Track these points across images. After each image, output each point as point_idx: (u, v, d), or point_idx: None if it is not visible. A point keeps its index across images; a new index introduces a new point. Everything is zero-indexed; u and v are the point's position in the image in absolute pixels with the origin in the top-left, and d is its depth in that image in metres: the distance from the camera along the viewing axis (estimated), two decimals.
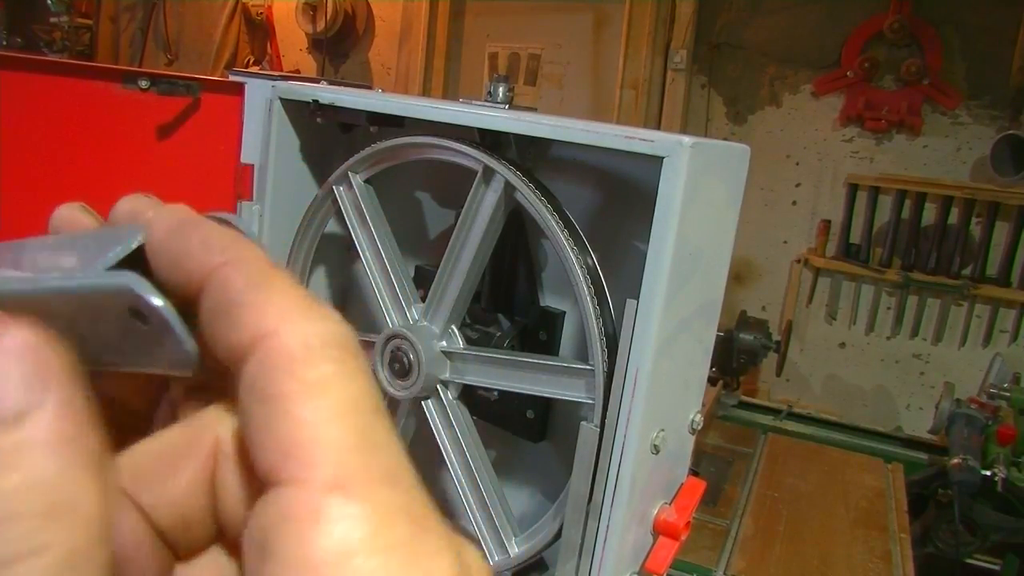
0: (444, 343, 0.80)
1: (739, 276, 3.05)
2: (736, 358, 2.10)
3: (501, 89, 0.86)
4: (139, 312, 0.20)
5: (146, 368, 0.22)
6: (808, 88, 2.92)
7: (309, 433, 0.18)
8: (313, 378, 0.18)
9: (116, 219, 0.25)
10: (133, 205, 0.25)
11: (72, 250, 0.23)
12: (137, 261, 0.22)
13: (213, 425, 0.22)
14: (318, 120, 0.86)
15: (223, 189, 0.91)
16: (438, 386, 0.80)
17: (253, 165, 0.90)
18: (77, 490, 0.17)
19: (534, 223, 0.73)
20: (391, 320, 0.83)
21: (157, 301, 0.20)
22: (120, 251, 0.22)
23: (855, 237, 2.89)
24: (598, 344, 0.69)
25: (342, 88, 0.87)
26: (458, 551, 0.19)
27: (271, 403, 0.18)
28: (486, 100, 0.86)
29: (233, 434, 0.21)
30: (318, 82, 0.90)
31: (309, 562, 0.17)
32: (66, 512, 0.16)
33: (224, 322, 0.19)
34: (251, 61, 3.79)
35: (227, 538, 0.22)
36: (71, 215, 0.26)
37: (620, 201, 0.80)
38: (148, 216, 0.25)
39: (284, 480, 0.18)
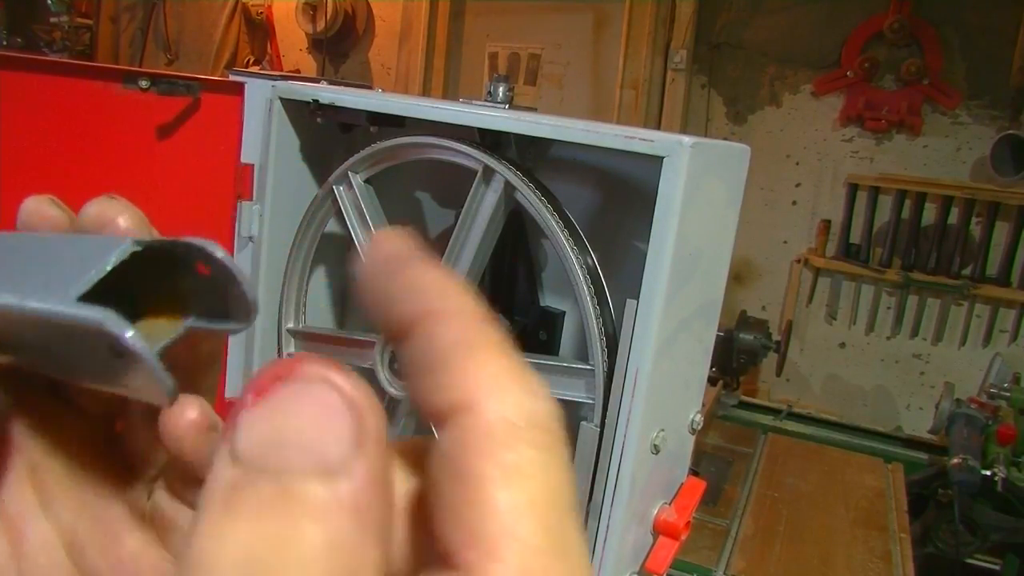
0: None
1: (739, 276, 3.05)
2: (736, 358, 2.10)
3: (501, 89, 0.86)
4: (114, 349, 0.20)
5: (121, 392, 0.22)
6: (808, 88, 2.92)
7: (499, 525, 0.16)
8: (512, 463, 0.17)
9: (84, 224, 0.25)
10: (100, 210, 0.25)
11: (52, 261, 0.22)
12: (124, 273, 0.21)
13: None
14: (318, 120, 0.86)
15: (223, 189, 0.91)
16: None
17: (253, 165, 0.90)
18: (366, 563, 0.16)
19: (534, 223, 0.73)
20: None
21: (131, 340, 0.19)
22: (94, 276, 0.21)
23: (855, 237, 2.89)
24: (598, 344, 0.69)
25: (342, 88, 0.87)
26: None
27: (465, 483, 0.17)
28: (486, 100, 0.86)
29: (413, 492, 0.20)
30: (318, 82, 0.90)
31: None
32: None
33: (427, 381, 0.18)
34: (251, 61, 3.79)
35: None
36: (39, 208, 0.25)
37: (620, 201, 0.80)
38: (119, 224, 0.24)
39: (463, 566, 0.16)
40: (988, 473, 1.86)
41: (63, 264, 0.22)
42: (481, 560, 0.16)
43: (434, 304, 0.18)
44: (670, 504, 0.79)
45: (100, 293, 0.21)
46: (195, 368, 0.26)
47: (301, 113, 0.88)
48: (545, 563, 0.16)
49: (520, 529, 0.16)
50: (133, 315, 0.23)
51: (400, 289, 0.19)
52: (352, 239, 0.86)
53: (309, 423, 0.16)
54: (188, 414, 0.24)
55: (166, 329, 0.23)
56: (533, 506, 0.17)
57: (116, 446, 0.28)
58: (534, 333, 0.86)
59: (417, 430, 0.86)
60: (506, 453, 0.17)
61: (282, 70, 3.57)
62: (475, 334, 0.18)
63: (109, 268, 0.21)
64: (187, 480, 0.26)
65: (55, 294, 0.21)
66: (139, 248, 0.22)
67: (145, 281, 0.23)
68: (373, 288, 0.20)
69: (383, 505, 0.17)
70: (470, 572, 0.16)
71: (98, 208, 0.25)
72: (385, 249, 0.20)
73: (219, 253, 0.22)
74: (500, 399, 0.17)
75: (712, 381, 2.15)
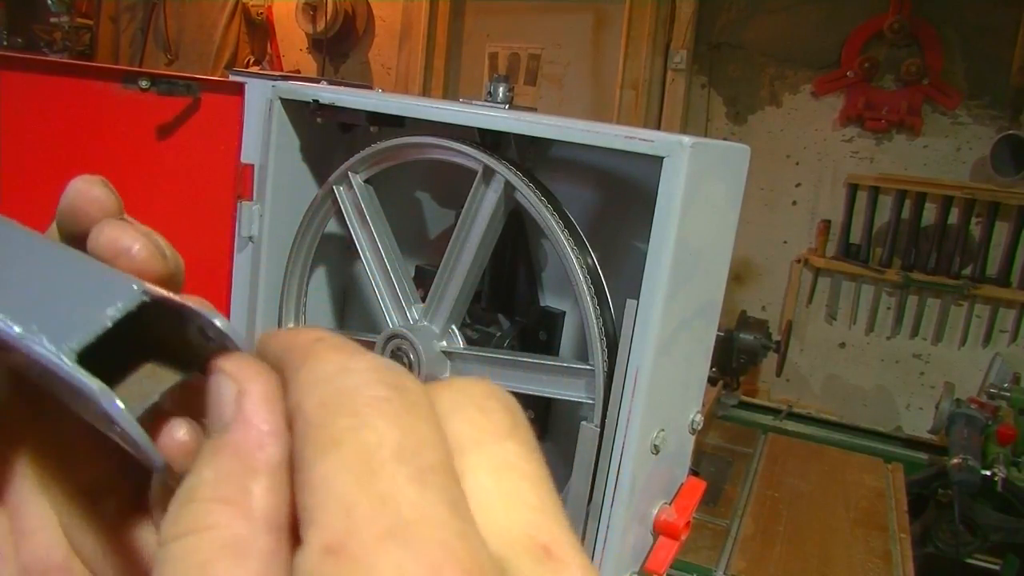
0: (444, 343, 0.80)
1: (739, 276, 3.05)
2: (736, 358, 2.10)
3: (501, 89, 0.86)
4: (108, 418, 0.20)
5: (116, 440, 0.22)
6: (808, 88, 2.92)
7: (317, 496, 0.17)
8: (326, 436, 0.18)
9: (96, 247, 0.24)
10: (115, 235, 0.24)
11: (60, 288, 0.22)
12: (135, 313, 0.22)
13: None
14: (318, 120, 0.86)
15: (223, 189, 0.91)
16: None
17: (253, 165, 0.90)
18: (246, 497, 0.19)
19: (534, 223, 0.73)
20: (391, 320, 0.83)
21: (119, 415, 0.20)
22: (94, 330, 0.21)
23: (855, 237, 2.89)
24: (598, 344, 0.69)
25: (342, 88, 0.87)
26: None
27: (296, 471, 0.18)
28: (486, 100, 0.86)
29: None
30: (318, 82, 0.90)
31: None
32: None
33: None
34: (251, 61, 3.79)
35: None
36: (88, 189, 0.25)
37: (620, 201, 0.80)
38: (132, 254, 0.24)
39: (303, 543, 0.17)
40: (988, 473, 1.86)
41: (69, 298, 0.22)
42: (309, 531, 0.17)
43: (285, 344, 0.21)
44: (670, 504, 0.79)
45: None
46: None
47: (301, 113, 0.88)
48: (365, 516, 0.16)
49: (334, 492, 0.17)
50: (135, 346, 0.23)
51: (271, 355, 0.21)
52: (352, 239, 0.86)
53: (212, 399, 0.21)
54: (177, 435, 0.24)
55: (165, 378, 0.24)
56: (346, 467, 0.17)
57: (111, 439, 0.28)
58: (534, 333, 0.86)
59: None
60: (319, 432, 0.18)
61: (282, 70, 3.57)
62: (310, 348, 0.20)
63: (111, 324, 0.21)
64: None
65: (55, 335, 0.21)
66: (146, 299, 0.22)
67: (154, 317, 0.23)
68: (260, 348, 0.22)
69: (270, 453, 0.19)
70: (306, 546, 0.17)
71: (112, 233, 0.24)
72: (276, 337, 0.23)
73: (225, 327, 0.22)
74: (312, 388, 0.19)
75: (712, 381, 2.15)
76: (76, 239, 0.25)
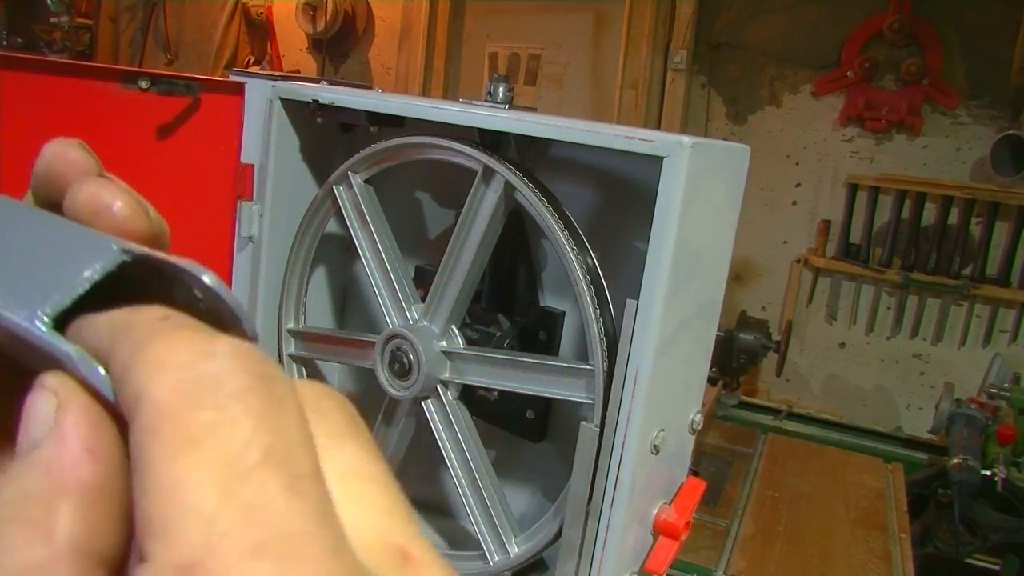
0: (444, 343, 0.80)
1: (739, 276, 3.05)
2: (736, 358, 2.10)
3: (501, 89, 0.86)
4: (83, 382, 0.19)
5: None
6: (808, 88, 2.92)
7: (170, 503, 0.15)
8: (181, 435, 0.15)
9: (75, 208, 0.23)
10: (93, 193, 0.23)
11: (35, 252, 0.21)
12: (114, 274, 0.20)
13: None
14: (318, 120, 0.86)
15: (223, 189, 0.91)
16: (438, 386, 0.80)
17: (253, 165, 0.90)
18: (59, 521, 0.17)
19: (534, 223, 0.73)
20: (391, 320, 0.83)
21: (99, 381, 0.19)
22: (73, 292, 0.20)
23: (855, 237, 2.89)
24: (598, 344, 0.69)
25: (342, 88, 0.87)
26: None
27: (139, 470, 0.15)
28: (486, 100, 0.86)
29: None
30: (318, 82, 0.90)
31: None
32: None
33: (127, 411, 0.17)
34: (251, 61, 3.79)
35: None
36: (64, 152, 0.24)
37: (620, 201, 0.80)
38: (113, 212, 0.22)
39: (147, 557, 0.15)
40: (988, 473, 1.86)
41: (47, 262, 0.21)
42: (158, 546, 0.15)
43: (117, 334, 0.18)
44: (670, 504, 0.79)
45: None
46: None
47: (301, 113, 0.88)
48: (228, 529, 0.14)
49: (192, 500, 0.15)
50: (120, 303, 0.22)
51: (106, 348, 0.19)
52: (352, 239, 0.86)
53: (27, 415, 0.18)
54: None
55: None
56: (207, 471, 0.15)
57: None
58: (534, 333, 0.86)
59: (417, 430, 0.86)
60: (173, 427, 0.15)
61: (282, 70, 3.57)
62: (151, 330, 0.17)
63: (88, 286, 0.20)
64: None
65: (31, 303, 0.20)
66: (127, 258, 0.21)
67: (139, 276, 0.21)
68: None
69: (86, 472, 0.17)
70: (153, 562, 0.15)
71: (91, 191, 0.23)
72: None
73: (216, 285, 0.20)
74: (162, 374, 0.16)
75: (712, 381, 2.15)
76: (53, 206, 0.24)
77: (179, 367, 0.16)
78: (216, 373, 0.16)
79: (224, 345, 0.17)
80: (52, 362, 0.19)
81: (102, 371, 0.19)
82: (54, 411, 0.18)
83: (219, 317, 0.21)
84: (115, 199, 0.23)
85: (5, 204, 0.23)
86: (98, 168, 0.24)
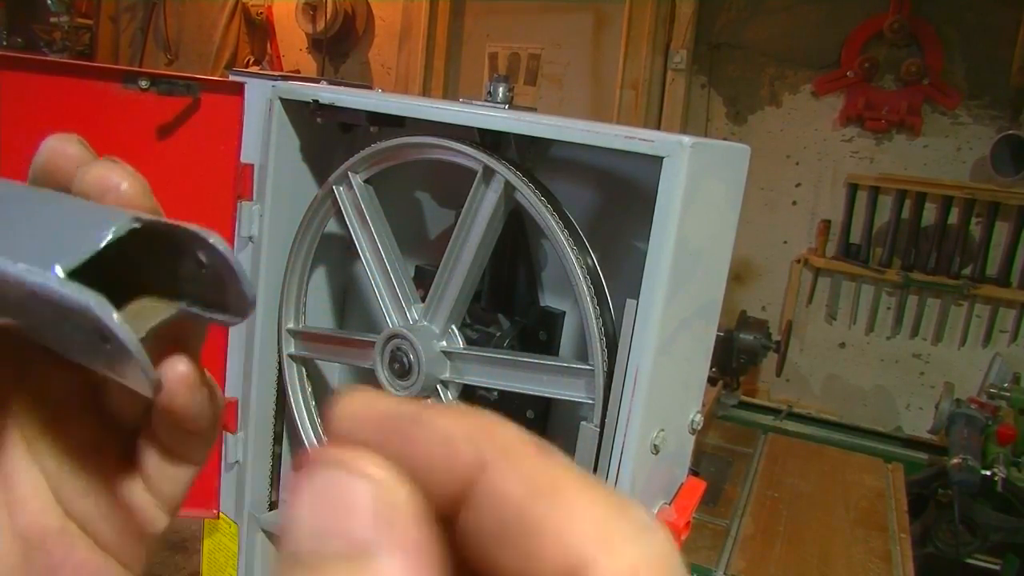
0: (444, 343, 0.80)
1: (739, 276, 3.05)
2: (736, 358, 2.10)
3: (501, 89, 0.86)
4: (102, 335, 0.19)
5: (108, 375, 0.21)
6: (808, 88, 2.92)
7: None
8: None
9: (84, 188, 0.24)
10: (102, 174, 0.23)
11: (49, 225, 0.21)
12: (123, 244, 0.21)
13: None
14: (318, 120, 0.86)
15: (223, 189, 0.91)
16: (438, 386, 0.80)
17: (253, 165, 0.90)
18: None
19: (534, 223, 0.73)
20: (391, 320, 0.83)
21: (118, 329, 0.19)
22: (87, 251, 0.20)
23: (855, 237, 2.89)
24: (598, 344, 0.69)
25: (342, 88, 0.87)
26: None
27: None
28: (486, 100, 0.86)
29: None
30: (318, 82, 0.90)
31: None
32: None
33: (512, 551, 0.15)
34: (251, 61, 3.79)
35: None
36: (62, 147, 0.24)
37: (620, 201, 0.80)
38: (121, 190, 0.23)
39: None
40: (988, 473, 1.86)
41: (60, 231, 0.21)
42: None
43: (483, 452, 0.16)
44: (670, 504, 0.79)
45: (95, 263, 0.20)
46: (180, 338, 0.25)
47: (301, 113, 0.88)
48: None
49: None
50: (126, 289, 0.22)
51: (429, 451, 0.16)
52: (352, 239, 0.86)
53: (329, 509, 0.15)
54: (178, 367, 0.23)
55: (158, 309, 0.23)
56: None
57: (98, 396, 0.27)
58: (534, 333, 0.86)
59: None
60: None
61: (282, 70, 3.57)
62: (548, 475, 0.15)
63: (103, 245, 0.20)
64: (174, 433, 0.26)
65: (47, 264, 0.20)
66: (137, 226, 0.21)
67: (144, 254, 0.22)
68: (390, 455, 0.16)
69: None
70: None
71: (99, 172, 0.24)
72: (364, 410, 0.17)
73: (220, 245, 0.21)
74: (614, 552, 0.15)
75: (712, 381, 2.15)
76: None
77: (628, 543, 0.15)
78: (661, 553, 0.15)
79: (646, 516, 0.16)
80: (64, 313, 0.19)
81: (117, 316, 0.18)
82: (382, 511, 0.15)
83: (221, 281, 0.21)
84: (122, 180, 0.24)
85: (13, 185, 0.24)
86: (96, 159, 0.25)
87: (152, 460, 0.27)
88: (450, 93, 3.44)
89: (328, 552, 0.15)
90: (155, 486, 0.27)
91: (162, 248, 0.22)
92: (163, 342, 0.23)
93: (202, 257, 0.21)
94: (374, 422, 0.17)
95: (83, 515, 0.26)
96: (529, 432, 0.16)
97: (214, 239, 0.21)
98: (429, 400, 0.81)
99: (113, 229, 0.21)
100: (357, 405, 0.17)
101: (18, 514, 0.26)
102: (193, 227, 0.21)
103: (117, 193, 0.24)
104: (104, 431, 0.27)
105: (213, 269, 0.21)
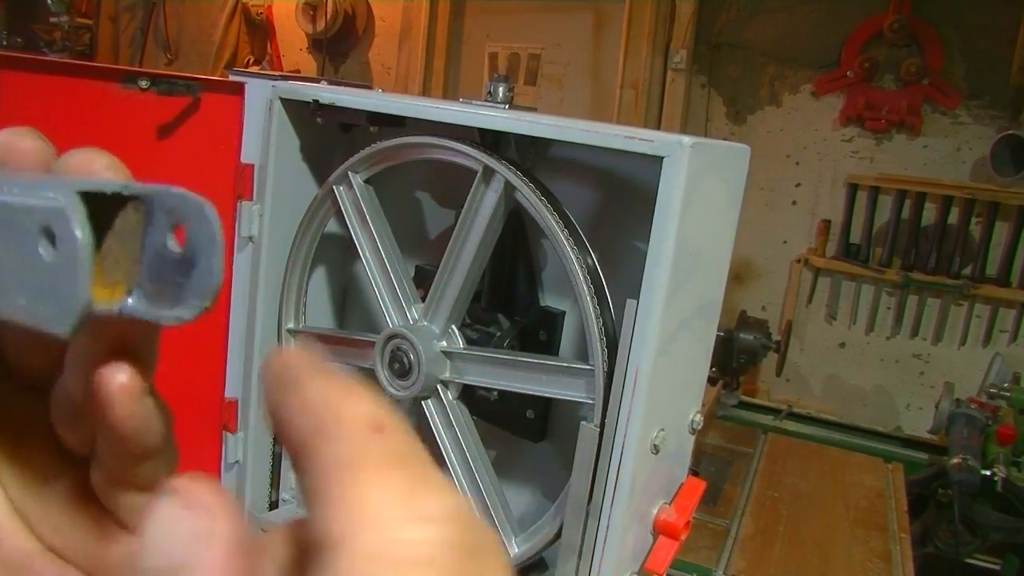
0: (444, 343, 0.80)
1: (739, 276, 3.05)
2: (736, 358, 2.10)
3: (501, 89, 0.86)
4: (52, 233, 0.18)
5: (14, 314, 0.19)
6: (808, 88, 2.92)
7: None
8: None
9: (67, 170, 0.23)
10: (86, 159, 0.23)
11: (21, 185, 0.20)
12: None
13: None
14: (318, 120, 0.86)
15: (223, 189, 0.91)
16: (438, 386, 0.80)
17: (253, 165, 0.90)
18: None
19: (534, 223, 0.73)
20: (391, 320, 0.83)
21: (79, 232, 0.18)
22: (69, 186, 0.19)
23: (855, 237, 2.89)
24: (598, 344, 0.69)
25: (342, 88, 0.87)
26: None
27: None
28: (486, 100, 0.86)
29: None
30: (318, 82, 0.90)
31: None
32: None
33: (310, 508, 0.16)
34: (251, 61, 3.79)
35: None
36: (12, 141, 0.23)
37: (620, 201, 0.80)
38: (107, 174, 0.22)
39: None
40: (988, 473, 1.86)
41: (33, 187, 0.20)
42: None
43: (319, 423, 0.17)
44: (670, 504, 0.79)
45: None
46: (127, 343, 0.23)
47: (301, 113, 0.88)
48: None
49: None
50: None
51: (289, 413, 0.18)
52: (352, 239, 0.86)
53: (160, 531, 0.17)
54: (118, 377, 0.22)
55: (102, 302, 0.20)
56: None
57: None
58: (534, 333, 0.86)
59: (417, 430, 0.86)
60: None
61: (282, 70, 3.57)
62: (359, 454, 0.16)
63: (87, 188, 0.19)
64: (120, 456, 0.24)
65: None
66: (124, 192, 0.20)
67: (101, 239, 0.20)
68: (270, 407, 0.18)
69: None
70: None
71: (85, 156, 0.23)
72: (282, 363, 0.19)
73: (210, 214, 0.20)
74: (365, 532, 0.15)
75: (712, 381, 2.15)
76: None
77: (386, 525, 0.15)
78: (424, 542, 0.15)
79: (437, 507, 0.16)
80: (37, 217, 0.18)
81: (81, 233, 0.17)
82: (197, 533, 0.17)
83: (190, 263, 0.20)
84: (106, 168, 0.23)
85: None
86: (54, 154, 0.24)
87: (102, 489, 0.25)
88: (450, 93, 3.44)
89: (149, 568, 0.17)
90: (115, 515, 0.25)
91: (124, 228, 0.21)
92: (103, 345, 0.22)
93: (178, 231, 0.20)
94: (269, 380, 0.19)
95: (52, 541, 0.25)
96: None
97: (208, 209, 0.20)
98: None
99: (99, 184, 0.19)
100: (275, 356, 0.19)
101: None
102: (183, 190, 0.20)
103: (100, 177, 0.22)
104: (64, 455, 0.26)
105: (187, 243, 0.20)
